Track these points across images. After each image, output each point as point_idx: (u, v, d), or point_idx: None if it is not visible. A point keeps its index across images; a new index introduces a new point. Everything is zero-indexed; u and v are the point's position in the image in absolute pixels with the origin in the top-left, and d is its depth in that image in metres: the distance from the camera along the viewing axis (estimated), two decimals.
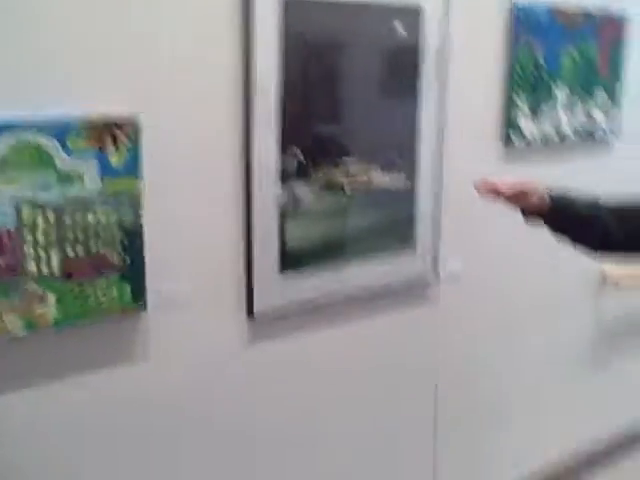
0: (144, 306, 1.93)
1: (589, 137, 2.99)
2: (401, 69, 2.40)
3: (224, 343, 2.17)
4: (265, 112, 2.08)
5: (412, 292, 2.58)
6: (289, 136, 2.13)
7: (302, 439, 2.41)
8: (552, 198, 1.86)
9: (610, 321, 3.35)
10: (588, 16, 2.87)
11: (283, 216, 2.18)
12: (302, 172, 2.20)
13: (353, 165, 2.31)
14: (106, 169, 1.80)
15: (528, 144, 2.78)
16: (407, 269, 2.53)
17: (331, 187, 2.28)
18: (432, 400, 2.75)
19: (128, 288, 1.88)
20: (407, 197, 2.48)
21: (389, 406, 2.62)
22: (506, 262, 2.87)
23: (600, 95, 2.99)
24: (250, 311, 2.18)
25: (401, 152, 2.44)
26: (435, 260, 2.60)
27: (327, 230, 2.30)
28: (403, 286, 2.53)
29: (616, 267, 3.15)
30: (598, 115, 3.00)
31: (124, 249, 1.86)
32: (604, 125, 3.04)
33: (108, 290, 1.86)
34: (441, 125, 2.50)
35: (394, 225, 2.47)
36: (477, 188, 1.79)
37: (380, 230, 2.44)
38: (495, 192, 1.79)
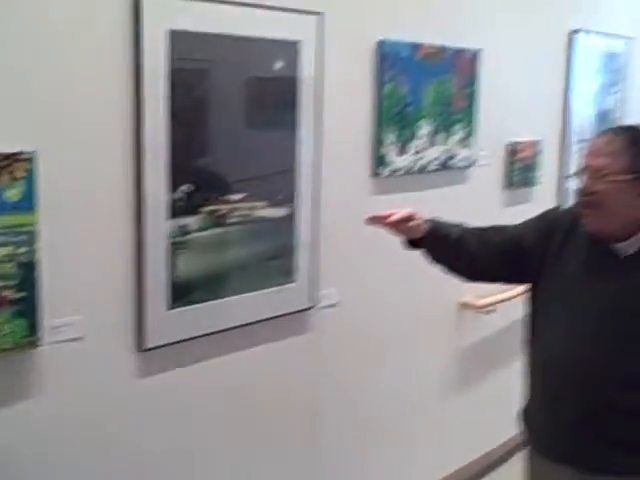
0: (39, 341, 1.90)
1: (448, 167, 3.21)
2: (282, 102, 2.50)
3: (116, 377, 2.17)
4: (154, 148, 2.11)
5: (293, 320, 2.66)
6: (178, 172, 2.18)
7: (190, 464, 2.44)
8: (429, 225, 2.04)
9: (469, 346, 3.56)
10: (445, 52, 3.09)
11: (173, 250, 2.21)
12: (190, 206, 2.24)
13: (237, 197, 2.38)
14: (1, 204, 1.77)
15: (395, 175, 2.95)
16: (288, 298, 2.61)
17: (217, 220, 2.33)
18: (314, 421, 2.83)
19: (23, 323, 1.85)
20: (287, 228, 2.56)
21: (274, 427, 2.68)
22: (378, 290, 3.01)
23: (458, 127, 3.21)
24: (141, 345, 2.19)
25: (282, 184, 2.52)
26: (314, 289, 2.70)
27: (214, 263, 2.35)
28: (285, 314, 2.61)
29: (475, 295, 3.39)
30: (456, 146, 3.23)
31: (19, 284, 1.83)
32: (461, 155, 3.26)
33: (2, 326, 1.82)
34: (318, 156, 2.62)
35: (276, 255, 2.55)
36: (367, 218, 1.98)
37: (263, 260, 2.51)
38: (382, 220, 1.98)
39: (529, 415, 2.23)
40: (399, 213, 2.00)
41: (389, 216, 1.99)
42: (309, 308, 2.69)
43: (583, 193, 1.99)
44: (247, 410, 2.57)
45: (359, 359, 2.97)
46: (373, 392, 3.06)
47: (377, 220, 2.00)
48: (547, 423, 2.12)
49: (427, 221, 2.08)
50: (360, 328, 2.95)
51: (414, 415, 3.29)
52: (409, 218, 2.02)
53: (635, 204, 1.97)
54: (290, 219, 2.56)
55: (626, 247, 2.00)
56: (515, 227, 2.21)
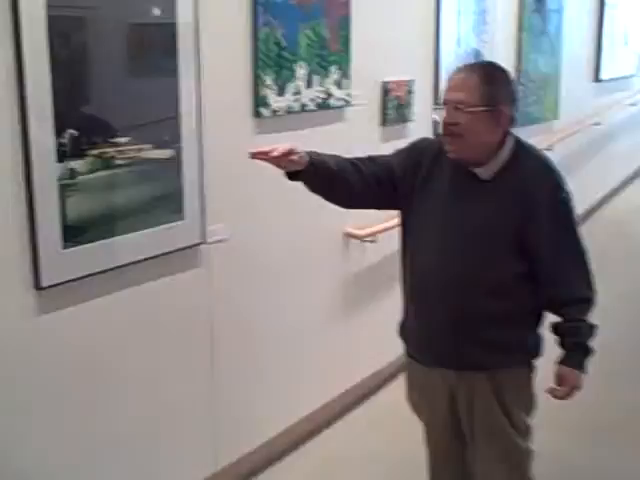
0: None
1: (326, 106, 3.38)
2: (160, 48, 2.60)
3: (15, 314, 2.28)
4: (37, 95, 2.20)
5: (184, 256, 2.80)
6: (62, 118, 2.27)
7: (92, 398, 2.56)
8: (309, 157, 2.21)
9: (355, 273, 3.78)
10: None
11: (62, 192, 2.31)
12: (77, 150, 2.34)
13: (124, 140, 2.48)
14: None
15: (276, 115, 3.10)
16: (178, 235, 2.74)
17: (105, 162, 2.43)
18: (209, 349, 3.00)
19: None
20: (174, 168, 2.69)
21: (174, 354, 2.83)
22: (266, 223, 3.19)
23: (334, 69, 3.38)
24: (38, 283, 2.30)
25: (167, 126, 2.64)
26: (203, 225, 2.84)
27: (104, 203, 2.46)
28: (176, 250, 2.74)
29: (357, 226, 3.61)
30: (332, 87, 3.40)
31: None
32: (337, 95, 3.44)
33: None
34: (200, 100, 2.74)
35: (164, 195, 2.67)
36: (250, 153, 2.12)
37: (151, 200, 2.63)
38: (265, 154, 2.12)
39: (406, 327, 2.46)
40: (280, 148, 2.13)
41: (271, 151, 2.12)
42: (199, 244, 2.84)
43: (446, 124, 2.21)
44: (146, 341, 2.71)
45: (250, 289, 3.15)
46: (264, 319, 3.25)
47: (260, 155, 2.14)
48: (421, 331, 2.36)
49: (307, 154, 2.22)
50: (250, 260, 3.12)
51: (305, 340, 3.50)
52: (290, 152, 2.15)
53: (491, 132, 2.20)
54: (176, 160, 2.68)
55: (485, 171, 2.24)
56: (387, 157, 2.41)
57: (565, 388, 2.27)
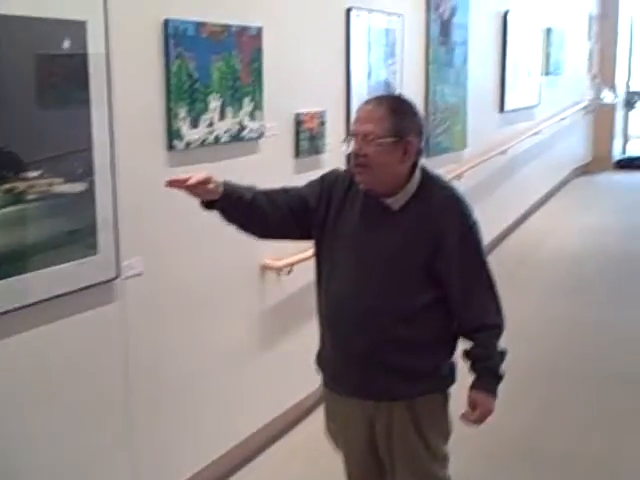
0: None
1: (239, 138, 3.39)
2: (71, 80, 2.56)
3: None
4: None
5: (98, 292, 2.74)
6: None
7: (6, 441, 2.48)
8: (224, 187, 2.22)
9: (272, 306, 3.77)
10: (229, 30, 3.25)
11: None
12: None
13: (35, 174, 2.43)
14: None
15: (190, 147, 3.09)
16: (91, 270, 2.69)
17: (15, 198, 2.38)
18: (124, 388, 2.93)
19: None
20: (87, 202, 2.64)
21: (84, 396, 2.75)
22: (182, 257, 3.16)
23: (247, 101, 3.40)
24: None
25: (79, 159, 2.60)
26: (117, 260, 2.79)
27: (14, 239, 2.40)
28: (89, 286, 2.68)
29: (274, 257, 3.62)
30: (246, 119, 3.41)
31: None
32: (251, 127, 3.46)
33: None
34: (112, 132, 2.71)
35: (77, 229, 2.62)
36: (167, 182, 2.14)
37: (63, 235, 2.57)
38: (181, 183, 2.14)
39: (322, 357, 2.48)
40: (196, 176, 2.16)
41: (187, 179, 2.14)
42: (114, 279, 2.79)
43: (355, 155, 2.25)
44: (56, 383, 2.64)
45: (166, 324, 3.11)
46: (181, 354, 3.21)
47: (175, 183, 2.15)
48: (337, 361, 2.38)
49: (223, 184, 2.25)
50: (166, 294, 3.08)
51: (224, 374, 3.46)
52: (206, 181, 2.17)
53: (399, 163, 2.25)
54: (89, 193, 2.64)
55: (395, 201, 2.29)
56: (300, 189, 2.44)
57: (478, 413, 2.32)
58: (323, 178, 2.44)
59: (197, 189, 2.17)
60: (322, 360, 2.48)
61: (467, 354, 2.34)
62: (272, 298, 3.76)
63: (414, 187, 2.29)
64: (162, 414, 3.13)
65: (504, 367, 2.34)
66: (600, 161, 11.74)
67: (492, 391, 2.32)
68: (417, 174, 2.31)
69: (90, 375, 2.77)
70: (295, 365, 3.76)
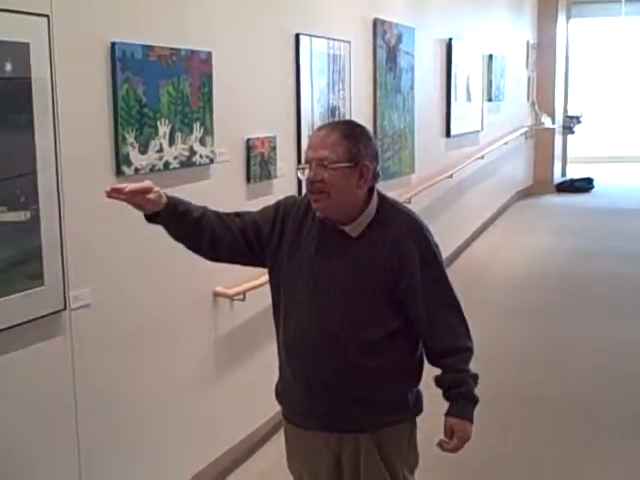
0: None
1: (190, 164, 3.31)
2: (13, 104, 2.47)
3: None
4: None
5: (44, 324, 2.63)
6: None
7: None
8: (169, 199, 2.18)
9: (226, 333, 3.68)
10: (178, 54, 3.19)
11: None
12: None
13: None
14: None
15: (139, 173, 3.00)
16: (37, 302, 2.57)
17: None
18: (74, 424, 2.81)
19: None
20: (32, 231, 2.54)
21: (31, 438, 2.64)
22: (132, 286, 3.05)
23: (197, 126, 3.33)
24: None
25: (22, 187, 2.50)
26: (65, 291, 2.68)
27: None
28: (35, 319, 2.57)
29: (226, 285, 3.53)
30: (196, 144, 3.34)
31: None
32: (201, 153, 3.38)
33: None
34: (58, 158, 2.61)
35: (21, 260, 2.52)
36: (106, 192, 2.07)
37: (7, 266, 2.46)
38: (119, 192, 2.07)
39: (282, 389, 2.39)
40: (136, 184, 2.11)
41: (125, 187, 2.08)
42: (61, 310, 2.67)
43: (311, 182, 2.20)
44: (1, 420, 2.51)
45: (116, 356, 2.99)
46: (132, 387, 3.09)
47: (115, 194, 2.08)
48: (299, 393, 2.30)
49: (167, 196, 2.19)
50: (116, 325, 2.97)
51: (176, 406, 3.35)
52: (145, 190, 2.11)
53: (356, 188, 2.21)
54: (34, 222, 2.53)
55: (353, 228, 2.23)
56: (254, 214, 2.37)
57: (456, 440, 2.26)
58: (278, 204, 2.38)
59: (136, 198, 2.11)
60: (282, 393, 2.39)
61: (439, 381, 2.28)
62: (226, 325, 3.66)
63: (372, 212, 2.25)
64: (116, 445, 3.01)
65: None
66: (541, 184, 11.95)
67: (468, 417, 2.27)
68: (374, 199, 2.26)
69: (38, 412, 2.65)
70: (253, 392, 3.70)
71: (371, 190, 2.26)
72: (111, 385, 2.98)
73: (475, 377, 2.28)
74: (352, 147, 2.18)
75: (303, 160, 2.28)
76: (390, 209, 2.29)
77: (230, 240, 2.29)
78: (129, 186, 2.08)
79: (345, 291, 2.21)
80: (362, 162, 2.19)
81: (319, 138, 2.22)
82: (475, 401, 2.28)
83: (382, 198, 2.30)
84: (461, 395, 2.26)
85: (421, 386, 2.36)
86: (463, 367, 2.27)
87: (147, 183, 2.13)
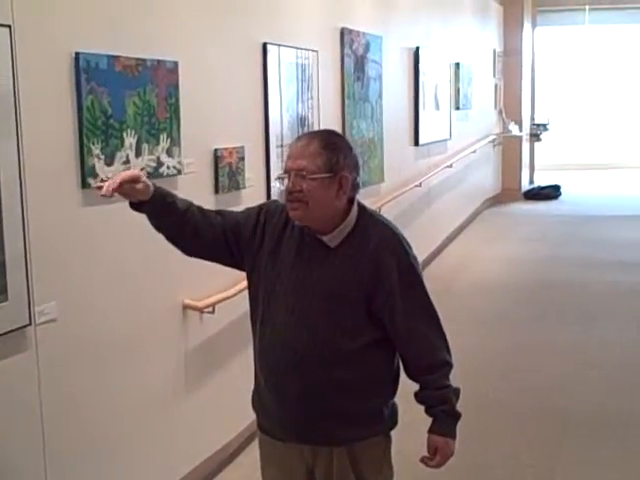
0: None
1: (157, 175, 3.27)
2: None
3: None
4: None
5: (9, 340, 2.58)
6: None
7: None
8: (156, 189, 2.16)
9: (196, 346, 3.63)
10: (144, 64, 3.15)
11: None
12: None
13: None
14: None
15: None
16: (1, 319, 2.52)
17: None
18: (40, 443, 2.75)
19: None
20: None
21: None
22: (100, 299, 3.00)
23: (163, 137, 3.29)
24: None
25: None
26: (29, 306, 2.63)
27: None
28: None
29: (195, 297, 3.49)
30: (163, 155, 3.30)
31: None
32: (168, 164, 3.35)
33: None
34: (20, 170, 2.57)
35: None
36: (102, 195, 2.05)
37: None
38: (110, 187, 2.05)
39: (258, 400, 2.36)
40: (121, 175, 2.09)
41: (114, 181, 2.05)
42: (26, 326, 2.62)
43: (289, 192, 2.17)
44: None
45: (84, 371, 2.94)
46: (101, 402, 3.04)
47: (106, 191, 2.05)
48: (273, 404, 2.27)
49: (155, 186, 2.18)
50: (83, 340, 2.92)
51: (146, 419, 3.31)
52: (134, 179, 2.10)
53: (335, 198, 2.18)
54: None
55: (332, 238, 2.21)
56: (237, 214, 2.35)
57: (439, 457, 2.24)
58: (260, 208, 2.35)
59: (125, 188, 2.08)
60: (257, 403, 2.36)
61: (420, 397, 2.27)
62: (196, 338, 3.62)
63: (352, 223, 2.22)
64: (84, 462, 2.96)
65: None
66: (509, 192, 12.04)
67: (451, 434, 2.25)
68: (354, 210, 2.25)
69: (4, 429, 2.59)
70: (224, 404, 3.65)
71: (351, 200, 2.24)
72: (79, 401, 2.92)
73: (457, 391, 2.27)
74: (331, 157, 2.16)
75: (282, 170, 2.26)
76: (370, 220, 2.26)
77: (211, 236, 2.28)
78: (118, 178, 2.06)
79: (322, 301, 2.19)
80: (341, 173, 2.17)
81: (298, 148, 2.20)
82: (457, 417, 2.27)
83: (362, 209, 2.28)
84: (444, 412, 2.24)
85: (396, 398, 2.34)
86: (444, 383, 2.25)
87: (136, 172, 2.13)
